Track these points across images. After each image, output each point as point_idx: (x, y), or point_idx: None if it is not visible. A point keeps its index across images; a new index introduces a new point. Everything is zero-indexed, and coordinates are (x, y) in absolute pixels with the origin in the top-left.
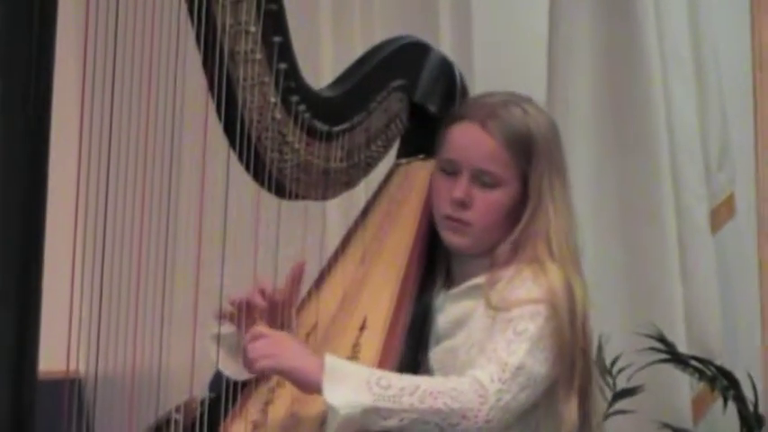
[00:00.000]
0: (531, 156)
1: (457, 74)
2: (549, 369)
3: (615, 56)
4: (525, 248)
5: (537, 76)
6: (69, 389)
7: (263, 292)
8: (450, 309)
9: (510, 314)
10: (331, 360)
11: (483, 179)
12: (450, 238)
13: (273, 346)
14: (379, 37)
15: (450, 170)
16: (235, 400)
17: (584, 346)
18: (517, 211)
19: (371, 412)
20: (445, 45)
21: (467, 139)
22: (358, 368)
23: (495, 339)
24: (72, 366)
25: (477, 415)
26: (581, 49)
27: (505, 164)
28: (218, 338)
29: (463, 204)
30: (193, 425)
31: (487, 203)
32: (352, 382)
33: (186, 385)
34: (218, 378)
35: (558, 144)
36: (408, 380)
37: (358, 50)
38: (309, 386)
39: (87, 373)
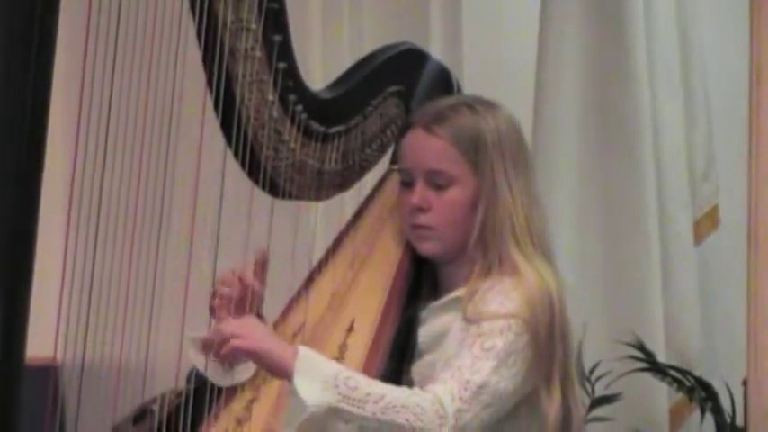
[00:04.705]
0: (479, 149)
1: (454, 82)
2: (518, 384)
3: (603, 64)
4: (495, 249)
5: (525, 83)
6: (53, 376)
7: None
8: (431, 322)
9: (480, 328)
10: (305, 349)
11: (436, 180)
12: (422, 246)
13: (246, 328)
14: (367, 39)
15: (407, 180)
16: (213, 393)
17: (562, 336)
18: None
19: (334, 412)
20: (435, 50)
21: (414, 145)
22: (328, 363)
23: (462, 355)
24: (58, 354)
25: None
26: (569, 56)
27: (455, 161)
28: (194, 342)
29: (421, 209)
30: (170, 416)
31: (444, 203)
32: (321, 377)
33: (172, 376)
34: (196, 372)
35: (514, 137)
36: (376, 386)
37: (346, 52)
38: (280, 372)
39: (73, 361)
